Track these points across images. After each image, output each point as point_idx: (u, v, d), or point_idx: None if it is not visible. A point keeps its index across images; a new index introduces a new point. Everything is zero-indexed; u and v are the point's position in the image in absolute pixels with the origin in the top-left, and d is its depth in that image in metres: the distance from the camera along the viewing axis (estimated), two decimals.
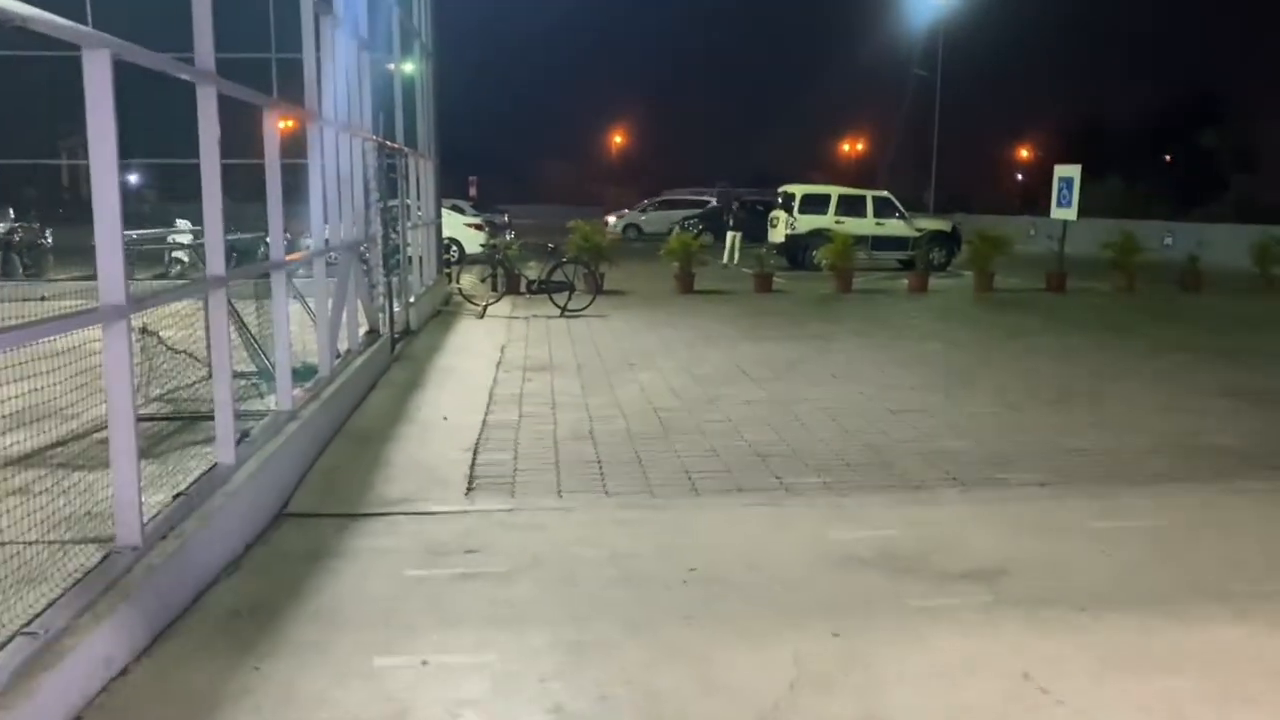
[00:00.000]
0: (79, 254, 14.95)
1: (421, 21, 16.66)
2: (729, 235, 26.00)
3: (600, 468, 6.78)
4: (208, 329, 5.66)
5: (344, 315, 8.63)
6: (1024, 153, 77.91)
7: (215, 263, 5.29)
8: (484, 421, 8.06)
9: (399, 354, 11.19)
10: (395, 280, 12.60)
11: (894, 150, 62.63)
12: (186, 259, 14.81)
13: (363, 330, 10.00)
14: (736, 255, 25.50)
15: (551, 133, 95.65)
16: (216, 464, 5.19)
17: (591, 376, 10.10)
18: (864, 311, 16.26)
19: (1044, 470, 6.77)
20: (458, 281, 16.41)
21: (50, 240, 20.75)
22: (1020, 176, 77.12)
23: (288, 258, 6.99)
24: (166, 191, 24.22)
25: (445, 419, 8.15)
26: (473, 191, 60.09)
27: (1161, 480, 6.64)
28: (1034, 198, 59.85)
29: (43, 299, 9.90)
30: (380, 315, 10.51)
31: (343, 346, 8.75)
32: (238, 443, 5.35)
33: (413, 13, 15.45)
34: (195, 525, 4.56)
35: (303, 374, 7.55)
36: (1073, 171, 21.11)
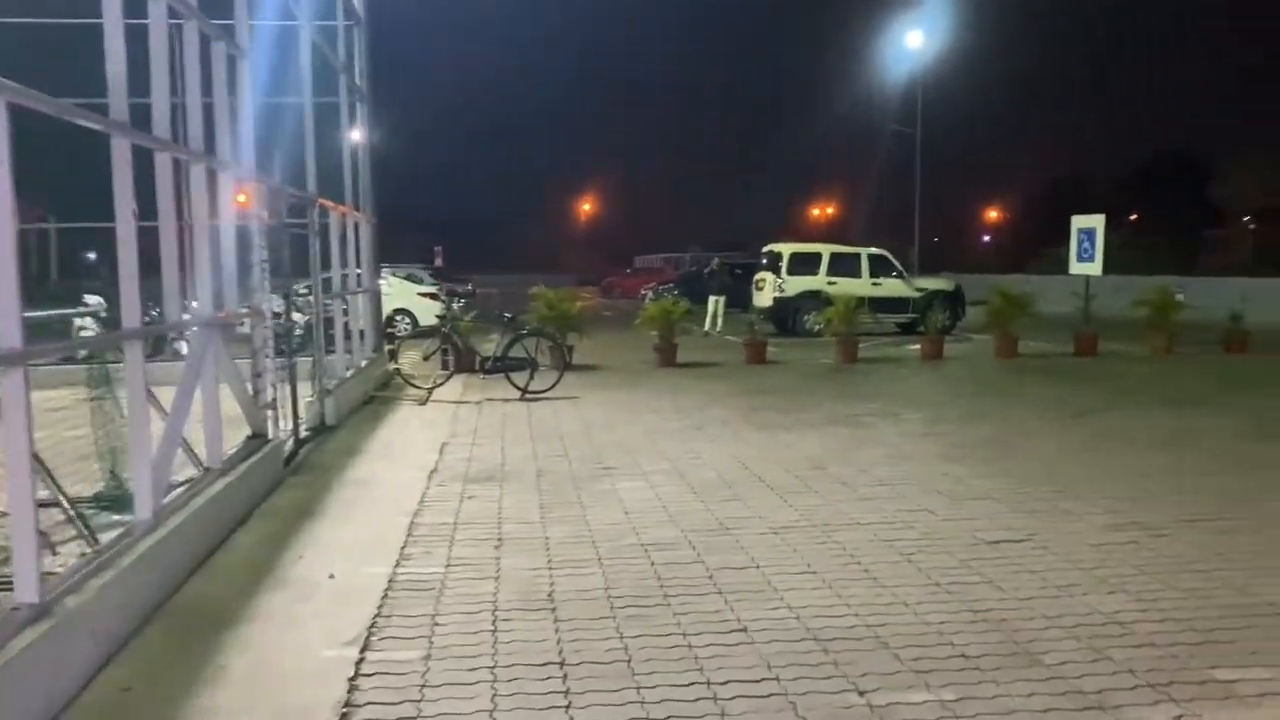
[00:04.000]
0: None
1: (355, 60, 14.26)
2: (711, 300, 23.60)
3: (565, 679, 4.10)
4: None
5: (182, 422, 5.91)
6: (992, 213, 76.90)
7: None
8: (391, 580, 5.37)
9: (300, 463, 8.48)
10: (318, 362, 9.97)
11: (871, 209, 60.94)
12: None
13: (242, 436, 7.34)
14: (720, 322, 23.08)
15: (521, 200, 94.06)
16: None
17: (555, 490, 7.44)
18: (881, 386, 13.73)
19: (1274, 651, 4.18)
20: (398, 360, 13.78)
21: None
22: (987, 237, 75.95)
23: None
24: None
25: (332, 577, 5.44)
26: (438, 260, 57.84)
27: None
28: (1019, 254, 58.48)
29: None
30: (268, 414, 7.83)
31: (185, 473, 6.07)
32: None
33: (338, 48, 13.03)
34: None
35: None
36: (1095, 222, 18.88)
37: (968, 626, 4.61)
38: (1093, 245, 18.72)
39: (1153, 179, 65.43)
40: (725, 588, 5.17)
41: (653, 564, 5.59)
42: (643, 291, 35.98)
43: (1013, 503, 6.91)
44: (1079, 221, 19.11)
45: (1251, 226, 65.49)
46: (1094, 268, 18.52)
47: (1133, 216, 61.76)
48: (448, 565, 5.63)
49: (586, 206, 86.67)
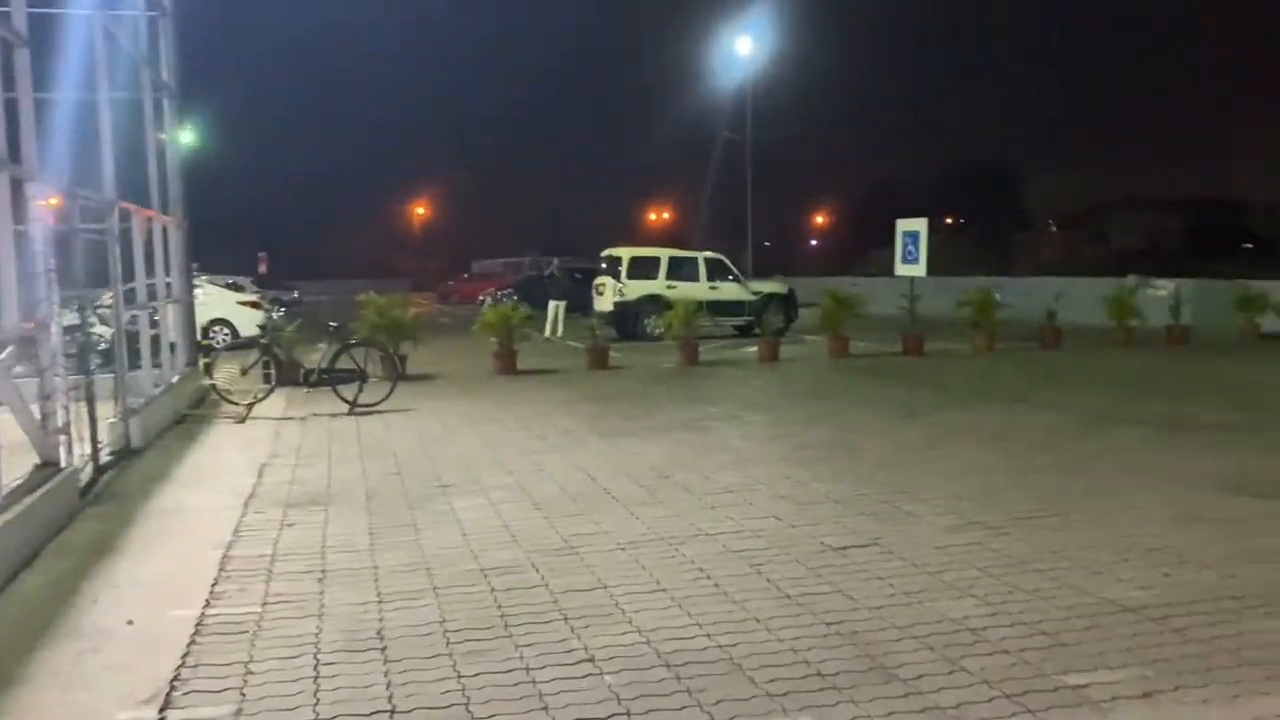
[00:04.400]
0: None
1: (162, 54, 13.25)
2: (551, 305, 23.24)
3: None
4: None
5: None
6: (819, 218, 79.51)
7: None
8: (199, 623, 4.82)
9: (99, 492, 7.68)
10: (121, 379, 9.12)
11: (707, 214, 61.88)
12: None
13: (31, 464, 6.55)
14: (560, 327, 22.76)
15: (352, 206, 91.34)
16: None
17: (386, 512, 6.96)
18: (722, 389, 13.73)
19: (1131, 657, 4.18)
20: (211, 374, 12.85)
21: None
22: (815, 241, 78.55)
23: None
24: None
25: (131, 624, 4.85)
26: (263, 268, 55.28)
27: None
28: (846, 257, 60.63)
29: None
30: (60, 439, 7.04)
31: None
32: None
33: (139, 39, 12.04)
34: None
35: None
36: (918, 225, 19.51)
37: (821, 641, 4.45)
38: (917, 248, 19.33)
39: (966, 184, 69.10)
40: (571, 613, 4.86)
41: (493, 591, 5.23)
42: (481, 297, 35.30)
43: (857, 506, 6.88)
44: (903, 225, 19.71)
45: (1054, 230, 70.03)
46: (918, 269, 19.12)
47: (948, 220, 65.06)
48: (264, 603, 5.11)
49: (421, 210, 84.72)
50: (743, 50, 40.06)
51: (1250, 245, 50.31)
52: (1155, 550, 5.71)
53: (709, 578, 5.36)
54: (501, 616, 4.84)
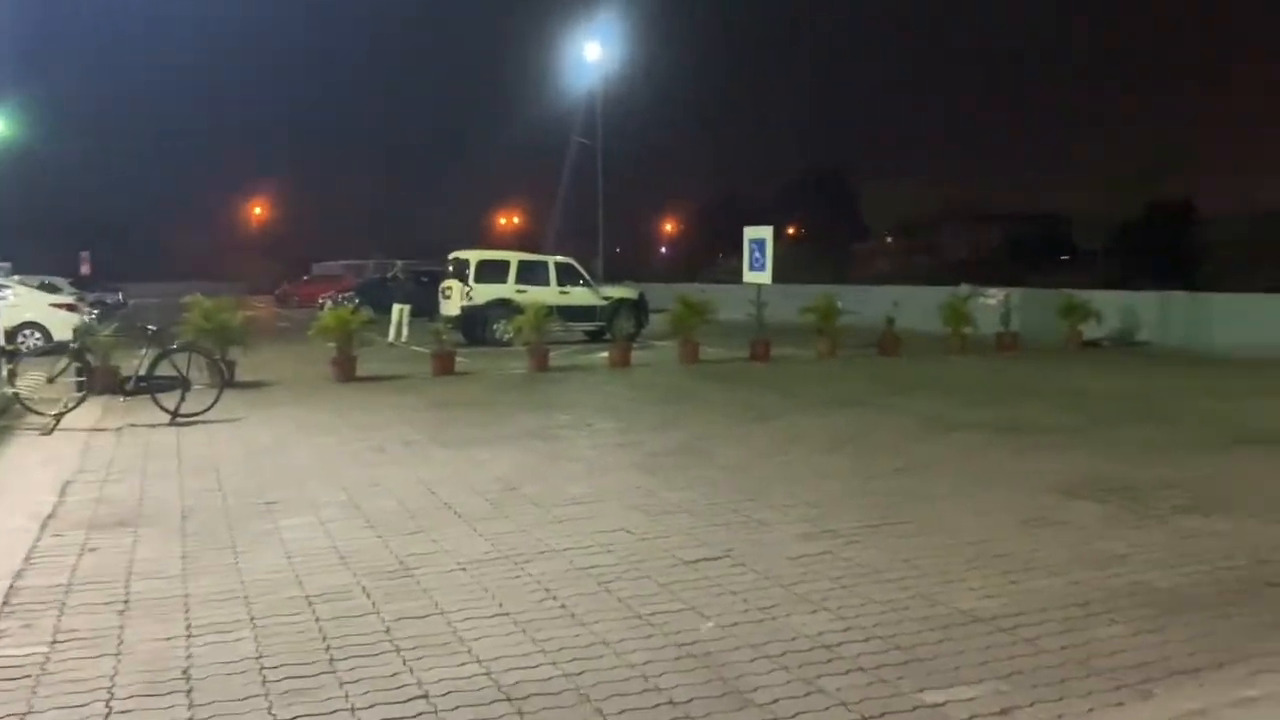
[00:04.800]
0: None
1: None
2: (395, 309, 22.50)
3: None
4: None
5: None
6: (668, 225, 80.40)
7: None
8: None
9: None
10: None
11: (559, 218, 61.51)
12: None
13: None
14: (405, 332, 22.06)
15: (191, 206, 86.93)
16: None
17: (204, 533, 6.37)
18: (573, 395, 13.45)
19: (987, 671, 4.10)
20: (16, 381, 11.74)
21: None
22: (664, 248, 79.42)
23: None
24: None
25: None
26: (85, 268, 51.73)
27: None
28: (695, 264, 61.36)
29: None
30: None
31: None
32: None
33: None
34: None
35: None
36: (764, 233, 19.78)
37: (673, 665, 4.21)
38: (763, 255, 19.57)
39: (807, 194, 71.08)
40: (404, 643, 4.47)
41: (318, 620, 4.78)
42: (320, 300, 33.95)
43: (708, 515, 6.70)
44: (750, 233, 19.92)
45: (889, 240, 72.78)
46: (765, 277, 19.35)
47: (790, 230, 66.72)
48: (54, 641, 4.52)
49: (259, 210, 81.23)
50: (592, 55, 39.96)
51: (1068, 257, 53.41)
52: (1002, 556, 5.73)
53: (555, 598, 5.05)
54: (326, 649, 4.41)
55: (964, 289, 22.18)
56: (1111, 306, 21.80)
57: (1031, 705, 3.78)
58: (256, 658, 4.32)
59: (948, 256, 59.69)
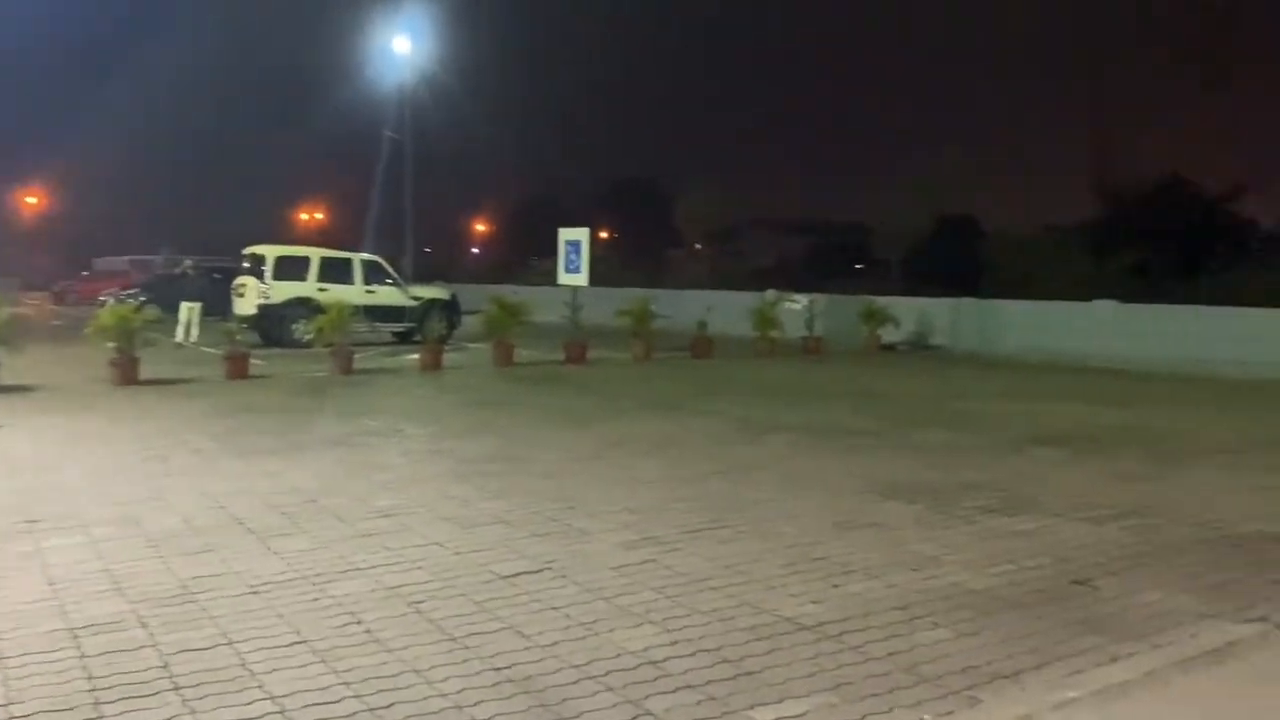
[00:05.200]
0: None
1: None
2: (184, 307, 21.04)
3: None
4: None
5: None
6: (480, 225, 79.38)
7: None
8: None
9: None
10: None
11: (367, 216, 59.39)
12: None
13: None
14: (195, 332, 20.65)
15: None
16: None
17: None
18: (380, 400, 12.84)
19: (816, 683, 3.99)
20: None
21: None
22: (476, 249, 78.35)
23: None
24: None
25: None
26: None
27: None
28: (508, 265, 60.66)
29: None
30: None
31: None
32: None
33: None
34: None
35: None
36: (580, 235, 19.69)
37: (491, 692, 3.90)
38: (579, 257, 19.44)
39: (621, 199, 71.75)
40: (185, 680, 3.96)
41: (83, 657, 4.19)
42: (101, 297, 31.43)
43: (526, 526, 6.41)
44: (566, 234, 19.75)
45: (699, 246, 74.36)
46: (581, 279, 19.21)
47: (604, 234, 67.13)
48: None
49: (33, 200, 74.69)
50: (400, 49, 38.79)
51: (861, 266, 56.00)
52: (821, 560, 5.71)
53: (360, 623, 4.63)
54: (92, 691, 3.86)
55: (771, 294, 22.76)
56: (909, 312, 22.89)
57: (863, 718, 3.69)
58: (3, 706, 3.72)
59: (755, 263, 61.47)
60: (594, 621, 4.69)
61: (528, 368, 16.83)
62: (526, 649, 4.34)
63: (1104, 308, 20.93)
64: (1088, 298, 21.61)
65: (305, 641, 4.39)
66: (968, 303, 23.93)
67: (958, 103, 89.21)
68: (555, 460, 8.69)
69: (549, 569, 5.49)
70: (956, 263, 37.50)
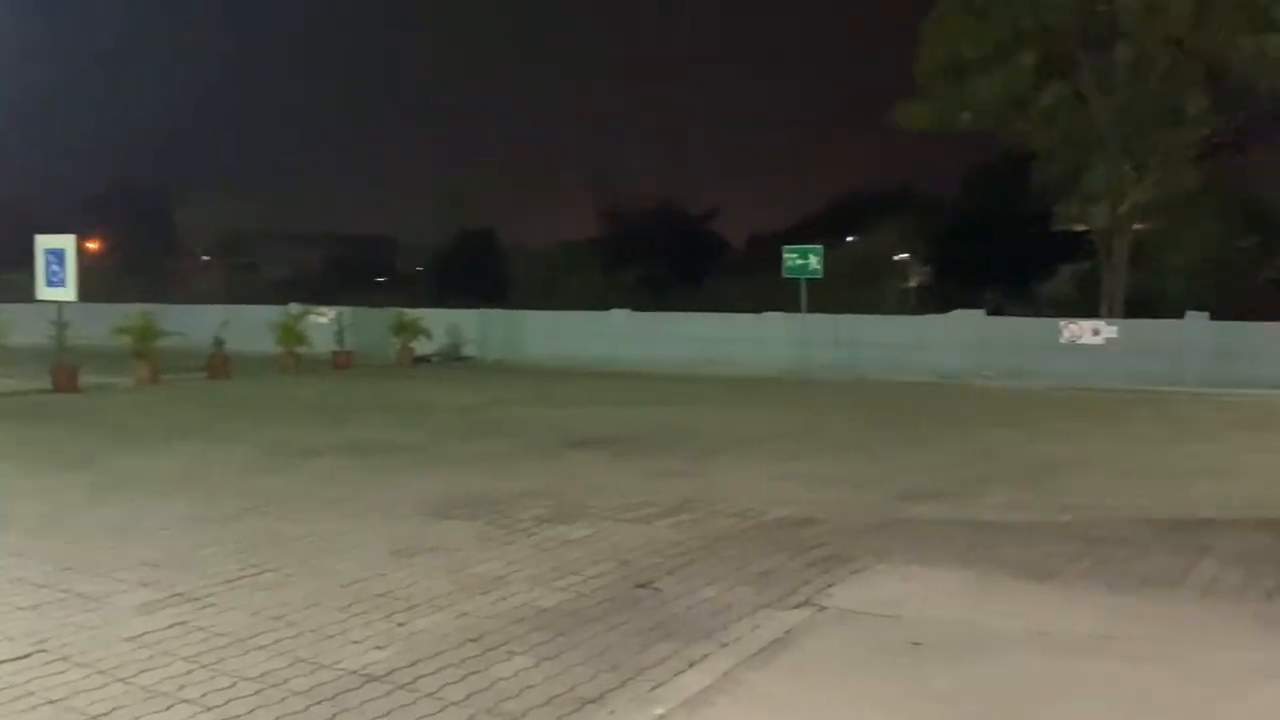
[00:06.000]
0: None
1: None
2: None
3: None
4: None
5: None
6: None
7: None
8: None
9: None
10: None
11: None
12: None
13: None
14: None
15: None
16: None
17: None
18: None
19: None
20: None
21: None
22: None
23: None
24: None
25: None
26: None
27: None
28: None
29: None
30: None
31: None
32: None
33: None
34: None
35: None
36: (64, 243, 17.01)
37: None
38: (63, 267, 16.81)
39: (112, 207, 64.30)
40: None
41: None
42: None
43: (10, 598, 5.16)
44: (45, 242, 16.97)
45: (206, 258, 68.98)
46: (67, 293, 16.63)
47: (91, 245, 59.72)
48: None
49: None
50: None
51: (383, 278, 55.42)
52: (382, 596, 5.22)
53: None
54: None
55: (295, 308, 21.51)
56: (439, 324, 22.79)
57: None
58: None
59: (270, 275, 58.24)
60: (107, 714, 3.80)
61: (3, 399, 14.17)
62: None
63: (619, 316, 22.42)
64: (605, 307, 23.02)
65: None
66: (494, 314, 24.44)
67: (477, 119, 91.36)
68: (44, 512, 7.21)
69: (42, 652, 4.41)
70: (482, 275, 38.38)
